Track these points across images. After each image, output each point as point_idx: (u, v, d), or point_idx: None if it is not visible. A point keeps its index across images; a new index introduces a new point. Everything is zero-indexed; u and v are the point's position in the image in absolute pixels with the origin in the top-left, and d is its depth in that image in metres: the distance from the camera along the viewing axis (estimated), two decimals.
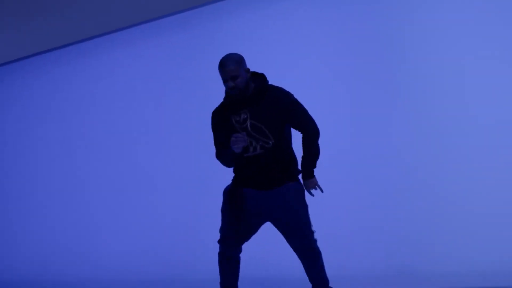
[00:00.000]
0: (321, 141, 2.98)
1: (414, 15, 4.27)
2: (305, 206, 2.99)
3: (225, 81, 2.89)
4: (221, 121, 3.00)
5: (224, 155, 2.99)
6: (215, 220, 3.12)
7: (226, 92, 2.99)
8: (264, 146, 2.92)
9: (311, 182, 3.01)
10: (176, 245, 4.91)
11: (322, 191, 3.04)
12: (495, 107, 3.91)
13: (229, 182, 3.07)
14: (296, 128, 3.02)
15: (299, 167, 3.05)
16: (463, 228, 3.81)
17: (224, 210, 3.03)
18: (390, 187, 4.11)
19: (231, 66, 2.86)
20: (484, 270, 3.63)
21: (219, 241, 3.02)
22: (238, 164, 3.01)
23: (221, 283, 3.05)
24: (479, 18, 4.03)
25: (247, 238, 3.03)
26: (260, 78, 2.99)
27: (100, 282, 5.01)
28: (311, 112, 3.00)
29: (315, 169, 3.03)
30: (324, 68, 4.52)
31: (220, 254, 3.02)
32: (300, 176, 3.05)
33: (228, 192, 3.05)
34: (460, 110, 4.00)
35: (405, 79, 4.24)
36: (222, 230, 3.02)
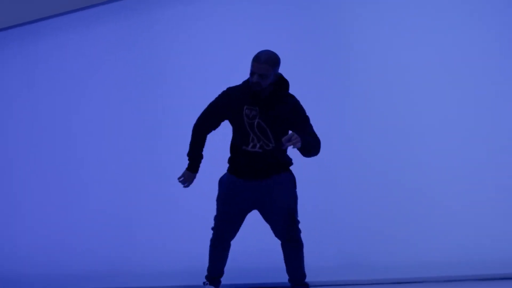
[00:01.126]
0: None
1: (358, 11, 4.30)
2: (295, 197, 3.10)
3: (252, 74, 2.92)
4: (232, 103, 3.02)
5: (190, 152, 3.14)
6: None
7: (248, 80, 3.03)
8: (264, 147, 3.01)
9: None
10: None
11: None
12: (447, 105, 3.96)
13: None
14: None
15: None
16: (416, 218, 3.85)
17: (220, 199, 3.15)
18: (344, 178, 4.11)
19: (266, 65, 2.88)
20: (439, 260, 3.70)
21: (213, 228, 3.17)
22: (234, 153, 3.11)
23: (210, 267, 3.21)
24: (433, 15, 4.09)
25: (238, 226, 3.16)
26: (283, 83, 3.04)
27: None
28: None
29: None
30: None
31: (212, 240, 3.17)
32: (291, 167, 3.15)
33: (224, 182, 3.16)
34: (412, 108, 4.04)
35: (351, 78, 4.24)
36: (215, 219, 3.16)
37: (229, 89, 3.08)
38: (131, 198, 4.80)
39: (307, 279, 3.14)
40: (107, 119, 5.10)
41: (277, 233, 3.07)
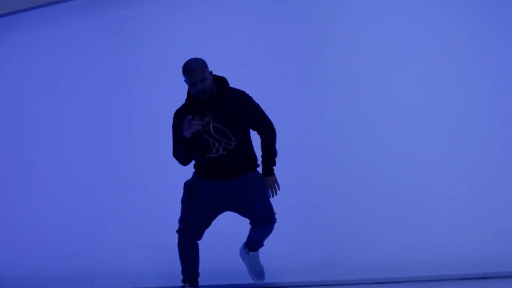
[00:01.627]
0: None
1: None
2: (265, 191, 3.12)
3: (192, 85, 2.94)
4: (184, 121, 3.00)
5: (182, 155, 3.09)
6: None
7: (189, 95, 3.08)
8: (227, 147, 3.02)
9: (269, 179, 3.13)
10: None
11: (279, 189, 3.15)
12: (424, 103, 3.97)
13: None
14: (254, 129, 3.14)
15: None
16: (390, 219, 3.86)
17: (185, 201, 3.14)
18: (321, 179, 4.09)
19: (199, 70, 2.92)
20: (422, 259, 3.71)
21: (178, 231, 3.11)
22: (200, 163, 3.13)
23: (184, 270, 3.16)
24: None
25: (206, 226, 3.15)
26: (221, 81, 3.09)
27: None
28: None
29: (274, 168, 3.15)
30: (240, 58, 4.37)
31: (180, 244, 3.10)
32: (259, 169, 3.18)
33: (189, 184, 3.16)
34: (400, 105, 4.03)
35: (332, 77, 4.21)
36: (181, 221, 3.12)
37: (176, 111, 3.13)
38: (106, 198, 4.70)
39: (289, 280, 3.22)
40: (81, 117, 4.96)
41: (251, 216, 3.07)
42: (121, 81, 4.86)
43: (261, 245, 3.27)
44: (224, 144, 3.02)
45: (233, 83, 3.16)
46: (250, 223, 3.11)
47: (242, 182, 3.08)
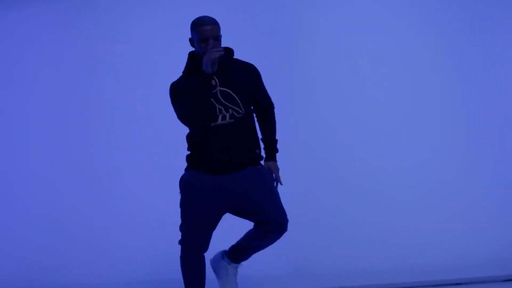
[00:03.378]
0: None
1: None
2: (277, 190, 2.75)
3: (203, 41, 2.57)
4: (186, 89, 2.62)
5: (190, 114, 2.60)
6: None
7: (189, 62, 2.72)
8: (235, 115, 2.64)
9: (273, 164, 2.80)
10: None
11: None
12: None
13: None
14: (258, 104, 2.82)
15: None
16: (356, 225, 3.84)
17: (185, 203, 2.69)
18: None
19: (214, 25, 2.59)
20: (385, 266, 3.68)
21: (181, 242, 2.67)
22: (201, 137, 2.67)
23: None
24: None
25: (212, 231, 2.71)
26: (227, 49, 2.73)
27: None
28: None
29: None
30: None
31: (184, 257, 2.67)
32: (262, 162, 2.82)
33: (188, 182, 2.70)
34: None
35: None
36: (184, 229, 2.66)
37: (172, 84, 2.72)
38: (67, 199, 4.45)
39: None
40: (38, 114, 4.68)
41: (262, 219, 2.63)
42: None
43: (250, 256, 2.85)
44: (232, 111, 2.63)
45: None
46: (255, 228, 2.70)
47: (250, 176, 2.67)
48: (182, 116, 2.62)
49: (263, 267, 3.66)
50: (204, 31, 2.56)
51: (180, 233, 2.67)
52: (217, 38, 2.59)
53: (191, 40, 2.68)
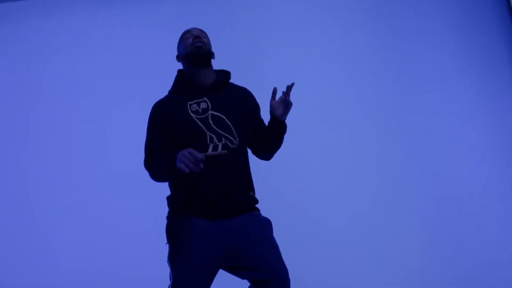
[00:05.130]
0: None
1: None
2: (276, 243, 2.29)
3: (188, 31, 2.41)
4: (172, 111, 2.29)
5: (160, 162, 2.21)
6: None
7: (178, 79, 2.44)
8: (228, 145, 2.23)
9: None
10: None
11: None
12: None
13: None
14: (255, 128, 2.42)
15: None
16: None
17: (176, 256, 2.20)
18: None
19: (200, 30, 2.42)
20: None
21: None
22: (186, 180, 2.21)
23: None
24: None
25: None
26: (223, 71, 2.47)
27: None
28: None
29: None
30: None
31: None
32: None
33: (173, 232, 2.25)
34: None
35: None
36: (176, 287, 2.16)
37: (156, 104, 2.38)
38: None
39: None
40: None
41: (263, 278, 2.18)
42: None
43: None
44: (225, 140, 2.23)
45: None
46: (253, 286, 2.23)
47: (247, 224, 2.23)
48: (149, 159, 2.28)
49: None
50: (188, 32, 2.41)
51: None
52: (205, 36, 2.40)
53: (178, 57, 2.45)
